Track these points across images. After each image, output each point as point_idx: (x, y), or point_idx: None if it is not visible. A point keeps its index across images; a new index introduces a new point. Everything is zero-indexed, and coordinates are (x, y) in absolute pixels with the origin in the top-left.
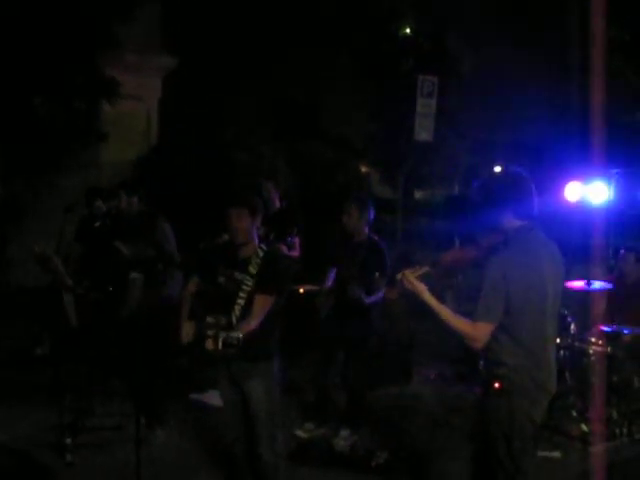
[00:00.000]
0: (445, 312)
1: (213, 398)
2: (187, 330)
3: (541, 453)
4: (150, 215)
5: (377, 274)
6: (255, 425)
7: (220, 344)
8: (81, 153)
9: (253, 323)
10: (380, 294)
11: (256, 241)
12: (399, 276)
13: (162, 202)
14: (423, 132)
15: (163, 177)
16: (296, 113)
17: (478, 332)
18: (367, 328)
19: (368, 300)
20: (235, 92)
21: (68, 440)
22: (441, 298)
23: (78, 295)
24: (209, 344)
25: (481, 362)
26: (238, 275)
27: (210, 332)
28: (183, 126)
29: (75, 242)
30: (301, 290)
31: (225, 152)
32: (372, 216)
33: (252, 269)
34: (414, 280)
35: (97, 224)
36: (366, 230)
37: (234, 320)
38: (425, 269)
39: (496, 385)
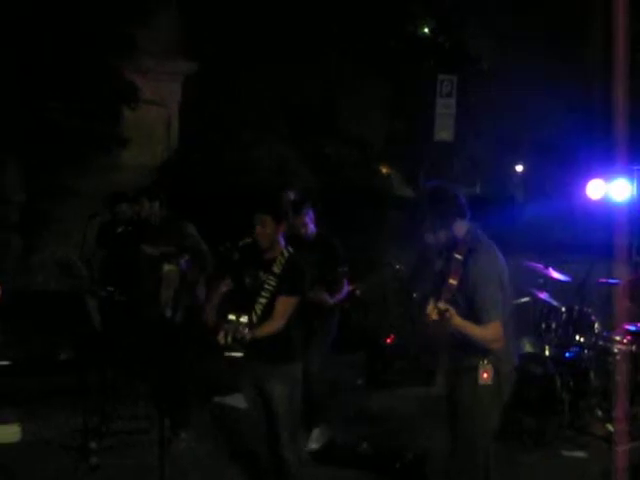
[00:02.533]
0: (471, 326)
1: (237, 401)
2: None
3: (566, 453)
4: (174, 220)
5: (340, 270)
6: (277, 426)
7: (229, 339)
8: (102, 158)
9: (276, 324)
10: (345, 291)
11: (282, 244)
12: (430, 308)
13: (183, 206)
14: (443, 132)
15: (184, 181)
16: (316, 114)
17: (497, 332)
18: (332, 326)
19: (333, 300)
20: (254, 94)
21: (93, 443)
22: None
23: (101, 299)
24: (221, 338)
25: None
26: (262, 275)
27: (226, 327)
28: (203, 130)
29: (97, 247)
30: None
31: (245, 155)
32: (310, 215)
33: (276, 269)
34: (448, 307)
35: (120, 229)
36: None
37: (254, 318)
38: (447, 294)
39: (485, 375)
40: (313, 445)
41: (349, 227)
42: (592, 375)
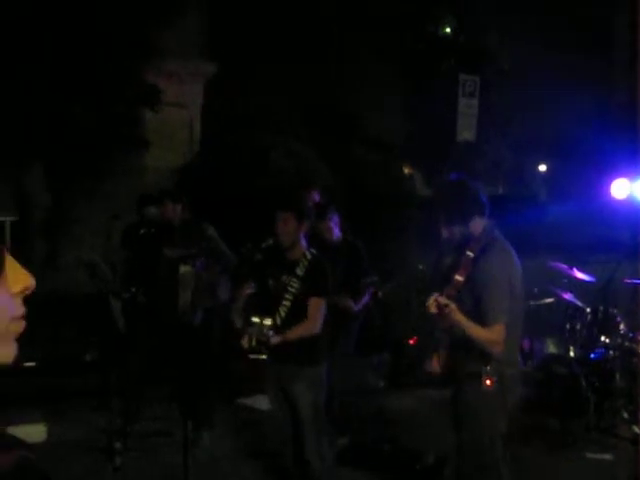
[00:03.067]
0: (470, 325)
1: (260, 402)
2: (244, 334)
3: (591, 455)
4: (195, 222)
5: (367, 280)
6: (302, 429)
7: (253, 341)
8: (125, 160)
9: (311, 325)
10: (366, 298)
11: (304, 245)
12: (431, 301)
13: (205, 208)
14: (465, 132)
15: (207, 182)
16: (336, 115)
17: (499, 335)
18: (354, 330)
19: (356, 307)
20: (275, 95)
21: (117, 444)
22: None
23: (125, 301)
24: (245, 341)
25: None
26: (285, 278)
27: (250, 330)
28: (225, 131)
29: (122, 249)
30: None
31: (268, 156)
32: (335, 219)
33: (299, 271)
34: (449, 302)
35: (142, 231)
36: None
37: (278, 321)
38: (451, 290)
39: (487, 382)
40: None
41: (371, 228)
42: (617, 376)
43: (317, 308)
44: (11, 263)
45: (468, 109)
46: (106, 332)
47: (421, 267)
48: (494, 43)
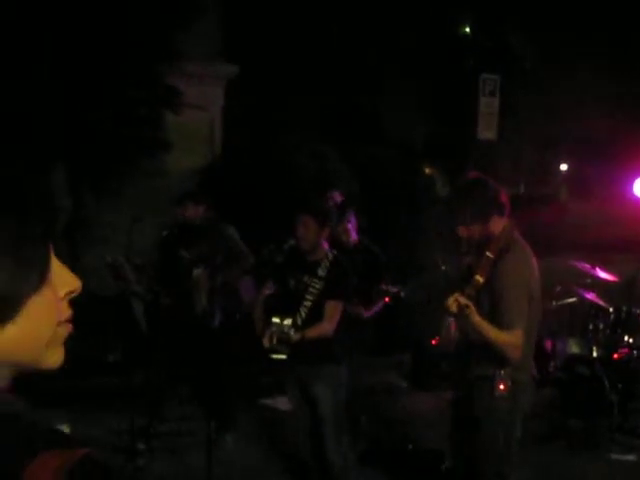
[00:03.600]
0: (489, 328)
1: (283, 403)
2: (265, 333)
3: (615, 456)
4: (214, 223)
5: (382, 287)
6: (322, 428)
7: (275, 339)
8: (146, 162)
9: (329, 327)
10: (378, 306)
11: (325, 247)
12: (451, 301)
13: (228, 209)
14: (487, 131)
15: (228, 183)
16: (357, 116)
17: (517, 340)
18: (364, 335)
19: (367, 314)
20: (296, 96)
21: (140, 444)
22: None
23: (147, 302)
24: (266, 341)
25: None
26: (307, 278)
27: (272, 329)
28: (246, 133)
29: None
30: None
31: (289, 157)
32: (353, 222)
33: (321, 272)
34: (469, 303)
35: (164, 233)
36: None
37: (299, 321)
38: (471, 291)
39: (501, 387)
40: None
41: (393, 228)
42: None
43: (334, 310)
44: (57, 265)
45: (488, 108)
46: (129, 333)
47: (444, 267)
48: (516, 42)
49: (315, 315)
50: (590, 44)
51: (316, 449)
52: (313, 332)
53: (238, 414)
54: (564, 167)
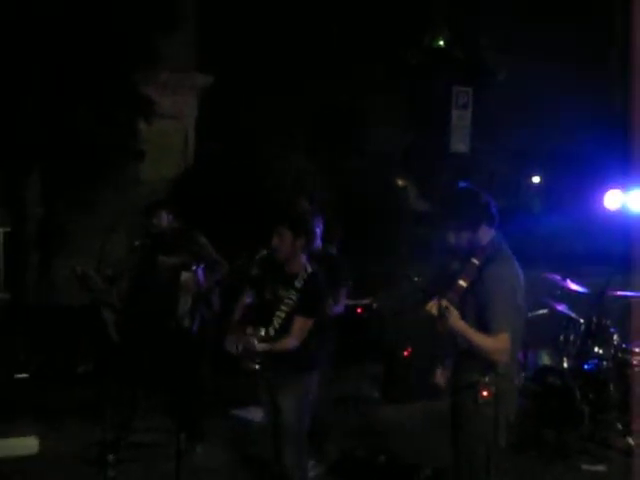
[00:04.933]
0: (472, 332)
1: (254, 414)
2: (231, 340)
3: (585, 467)
4: (186, 231)
5: (342, 289)
6: (282, 438)
7: (240, 348)
8: (119, 171)
9: (291, 342)
10: (342, 304)
11: (303, 259)
12: (431, 304)
13: (201, 219)
14: (459, 144)
15: (201, 193)
16: (331, 127)
17: (504, 344)
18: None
19: (333, 312)
20: (270, 109)
21: (110, 456)
22: None
23: (118, 312)
24: (232, 347)
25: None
26: (282, 290)
27: (240, 338)
28: (220, 143)
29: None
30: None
31: (264, 167)
32: (319, 232)
33: (298, 284)
34: (449, 306)
35: (137, 243)
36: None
37: (272, 332)
38: (452, 295)
39: (484, 393)
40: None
41: (366, 240)
42: (611, 387)
43: (301, 327)
44: None
45: (461, 121)
46: (99, 343)
47: (416, 279)
48: (489, 55)
49: (289, 327)
50: (562, 58)
51: (276, 460)
52: (277, 346)
53: (210, 424)
54: (536, 180)
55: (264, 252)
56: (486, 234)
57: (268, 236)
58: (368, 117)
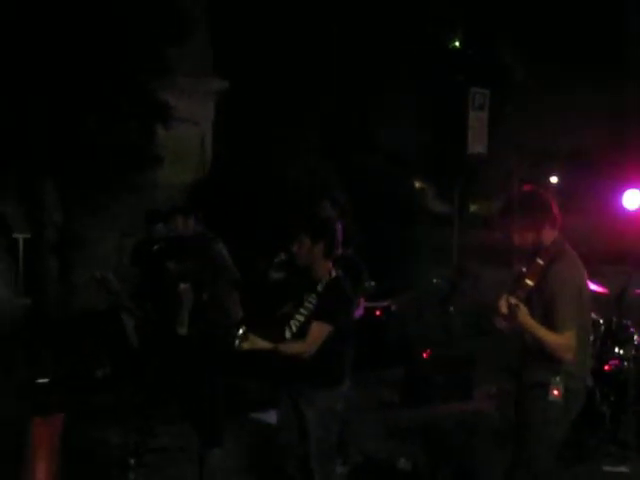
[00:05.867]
0: (540, 329)
1: (272, 417)
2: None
3: (607, 468)
4: (205, 236)
5: (366, 285)
6: (310, 449)
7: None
8: (137, 177)
9: (305, 348)
10: (361, 308)
11: (327, 264)
12: (502, 301)
13: (218, 224)
14: (477, 145)
15: (219, 199)
16: (347, 128)
17: (569, 341)
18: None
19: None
20: (286, 113)
21: (131, 460)
22: None
23: (137, 317)
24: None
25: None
26: (306, 294)
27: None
28: (237, 147)
29: (131, 266)
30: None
31: (281, 171)
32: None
33: (320, 288)
34: (519, 303)
35: (155, 247)
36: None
37: (288, 334)
38: (520, 293)
39: (555, 392)
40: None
41: (384, 242)
42: (632, 387)
43: (317, 332)
44: None
45: (478, 122)
46: (119, 349)
47: (435, 281)
48: (506, 55)
49: (306, 331)
50: (579, 58)
51: (302, 467)
52: (286, 348)
53: (228, 428)
54: (554, 180)
55: (282, 256)
56: (549, 235)
57: (287, 240)
58: (384, 117)
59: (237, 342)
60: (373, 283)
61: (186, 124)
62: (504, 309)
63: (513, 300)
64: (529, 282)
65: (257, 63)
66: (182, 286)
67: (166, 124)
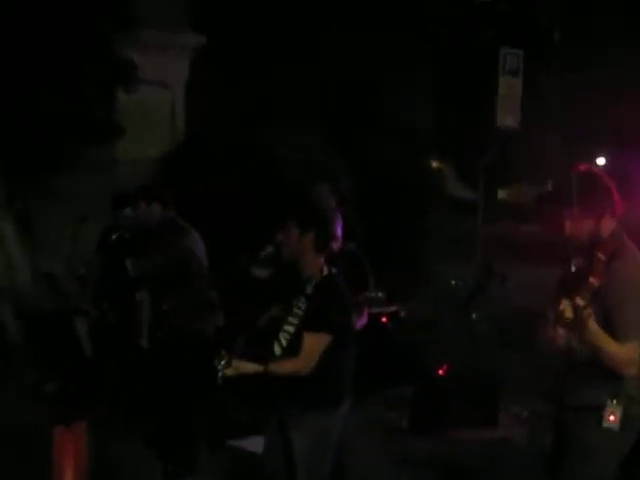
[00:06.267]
0: (606, 338)
1: (256, 445)
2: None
3: None
4: (173, 226)
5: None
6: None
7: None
8: (94, 151)
9: (300, 366)
10: (363, 319)
11: (317, 260)
12: (565, 305)
13: (190, 209)
14: (507, 118)
15: (191, 178)
16: (351, 99)
17: (633, 355)
18: None
19: (357, 325)
20: (277, 76)
21: None
22: None
23: (92, 320)
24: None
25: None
26: (294, 297)
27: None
28: (214, 116)
29: (97, 255)
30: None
31: (266, 148)
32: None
33: (309, 289)
34: (587, 305)
35: (113, 237)
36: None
37: (277, 351)
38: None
39: (611, 418)
40: None
41: (392, 234)
42: None
43: (313, 346)
44: None
45: (510, 90)
46: (70, 358)
47: (454, 281)
48: (543, 10)
49: (299, 344)
50: (626, 16)
51: None
52: (277, 368)
53: (203, 456)
54: (601, 161)
55: (270, 249)
56: (608, 225)
57: (275, 230)
58: (395, 84)
59: (220, 374)
60: (381, 294)
61: (154, 87)
62: (569, 313)
63: (580, 301)
64: (594, 281)
65: (240, 13)
66: (139, 295)
67: (129, 87)
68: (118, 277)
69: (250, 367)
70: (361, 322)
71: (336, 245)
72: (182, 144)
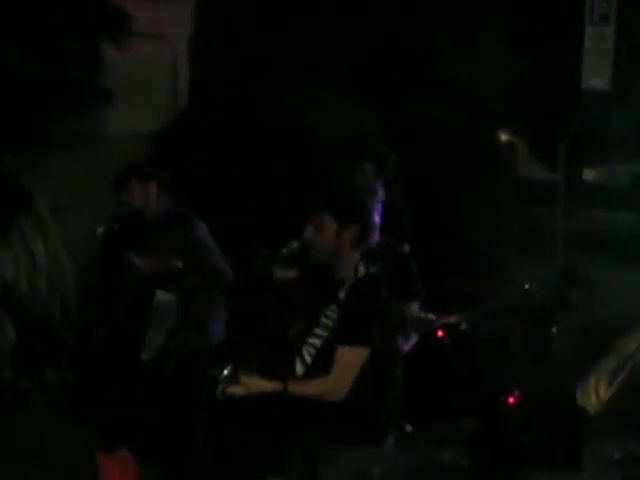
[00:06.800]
0: None
1: None
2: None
3: None
4: (177, 214)
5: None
6: None
7: (220, 393)
8: (78, 122)
9: (331, 386)
10: (413, 339)
11: (354, 259)
12: None
13: (196, 194)
14: (595, 77)
15: (196, 155)
16: (398, 57)
17: None
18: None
19: (405, 348)
20: (304, 28)
21: None
22: None
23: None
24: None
25: None
26: (322, 303)
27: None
28: (224, 78)
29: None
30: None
31: (290, 116)
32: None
33: (341, 295)
34: None
35: (100, 230)
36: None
37: (299, 370)
38: None
39: None
40: None
41: (449, 227)
42: None
43: (348, 361)
44: None
45: (599, 42)
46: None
47: (527, 286)
48: None
49: (327, 361)
50: None
51: None
52: (300, 389)
53: None
54: None
55: (294, 245)
56: None
57: (302, 221)
58: (453, 39)
59: (221, 387)
60: (433, 317)
61: (150, 41)
62: None
63: None
64: None
65: None
66: (162, 296)
67: (119, 41)
68: (111, 277)
69: (264, 385)
70: (407, 346)
71: (373, 238)
72: (185, 112)
